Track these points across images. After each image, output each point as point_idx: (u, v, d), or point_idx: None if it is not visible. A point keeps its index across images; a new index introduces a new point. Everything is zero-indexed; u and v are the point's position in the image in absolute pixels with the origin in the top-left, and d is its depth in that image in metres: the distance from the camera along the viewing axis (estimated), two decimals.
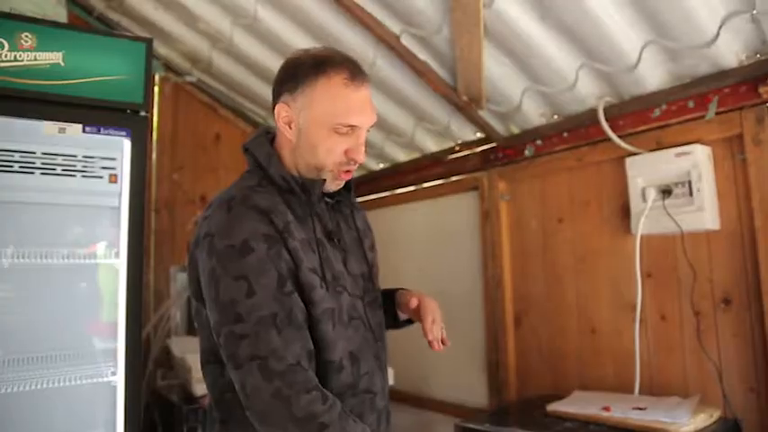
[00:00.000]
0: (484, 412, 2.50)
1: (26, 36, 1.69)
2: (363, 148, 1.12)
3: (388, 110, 2.64)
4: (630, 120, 2.05)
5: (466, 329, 2.68)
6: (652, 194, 1.95)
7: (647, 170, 1.98)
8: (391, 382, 2.57)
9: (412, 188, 3.04)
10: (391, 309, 1.34)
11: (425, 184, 2.96)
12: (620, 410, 1.76)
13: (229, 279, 1.00)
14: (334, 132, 1.08)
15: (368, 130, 1.13)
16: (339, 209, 1.22)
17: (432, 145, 2.83)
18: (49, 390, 1.88)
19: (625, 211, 2.08)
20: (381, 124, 2.79)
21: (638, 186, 2.00)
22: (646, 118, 2.00)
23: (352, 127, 1.09)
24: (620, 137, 2.05)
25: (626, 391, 2.01)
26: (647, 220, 1.96)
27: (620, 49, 1.83)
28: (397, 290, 1.38)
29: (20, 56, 1.69)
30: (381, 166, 3.18)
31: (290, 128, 1.12)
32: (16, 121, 1.75)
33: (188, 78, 3.13)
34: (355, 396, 1.11)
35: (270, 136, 1.20)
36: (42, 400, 1.88)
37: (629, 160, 2.04)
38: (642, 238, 1.99)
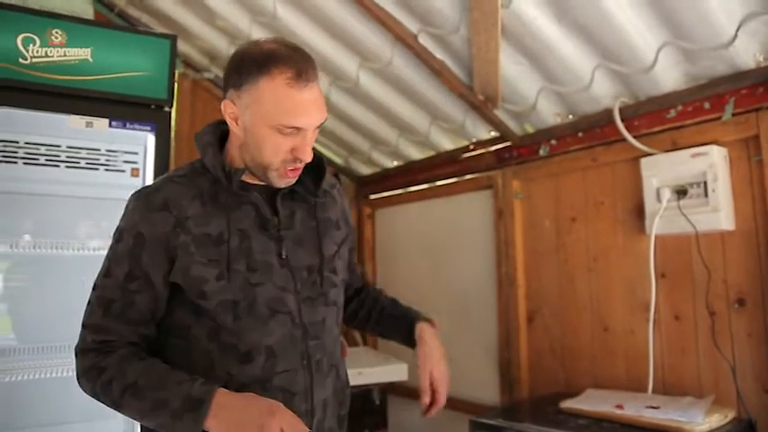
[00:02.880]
0: (495, 409, 2.52)
1: (57, 32, 1.74)
2: (310, 148, 1.09)
3: (403, 108, 2.67)
4: (646, 120, 2.06)
5: (479, 327, 2.70)
6: (667, 195, 1.96)
7: (662, 170, 1.99)
8: (405, 377, 2.62)
9: (425, 186, 3.07)
10: (407, 334, 1.39)
11: (439, 183, 2.98)
12: (633, 408, 1.77)
13: (106, 256, 1.12)
14: (278, 132, 1.05)
15: (317, 129, 1.10)
16: (299, 198, 1.19)
17: (446, 143, 2.85)
18: (62, 378, 1.92)
19: (639, 212, 2.10)
20: (396, 122, 2.82)
21: (653, 187, 2.01)
22: (661, 118, 2.02)
23: (297, 128, 1.06)
24: (635, 137, 2.06)
25: (639, 389, 2.03)
26: (662, 220, 1.97)
27: (637, 50, 1.85)
28: (416, 316, 1.42)
29: (50, 51, 1.74)
30: (395, 163, 3.21)
31: (237, 124, 1.10)
32: (45, 114, 1.79)
33: (206, 75, 3.17)
34: (266, 391, 1.07)
35: (221, 128, 1.18)
36: (56, 389, 1.93)
37: (644, 161, 2.05)
38: (656, 238, 2.00)
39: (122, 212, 1.14)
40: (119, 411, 1.05)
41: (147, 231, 1.07)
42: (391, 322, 1.44)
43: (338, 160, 3.50)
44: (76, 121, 1.80)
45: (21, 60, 1.73)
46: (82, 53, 1.79)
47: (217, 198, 1.11)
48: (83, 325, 1.10)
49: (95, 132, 1.92)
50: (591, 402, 1.91)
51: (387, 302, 1.48)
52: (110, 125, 1.85)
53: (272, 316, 1.10)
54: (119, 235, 1.11)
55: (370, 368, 2.52)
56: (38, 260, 2.06)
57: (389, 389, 2.98)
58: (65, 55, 1.77)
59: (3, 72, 1.71)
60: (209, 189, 1.12)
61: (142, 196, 1.11)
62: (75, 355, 1.09)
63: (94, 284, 1.11)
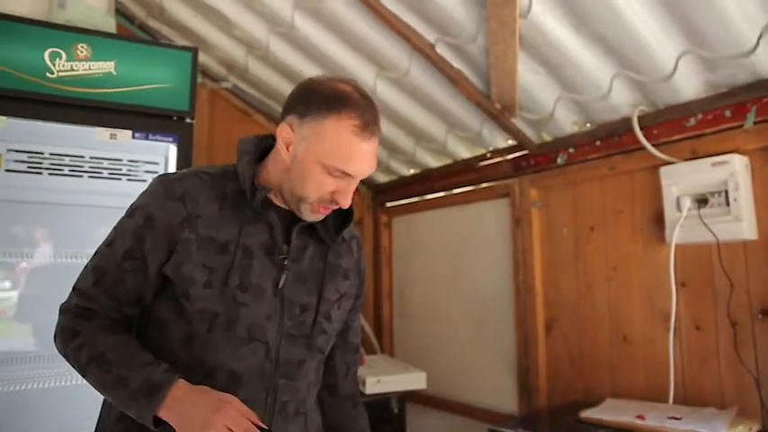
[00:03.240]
0: (514, 418, 2.51)
1: (82, 47, 1.78)
2: (351, 195, 1.08)
3: (420, 116, 2.68)
4: (665, 129, 2.05)
5: (496, 335, 2.70)
6: (687, 204, 1.95)
7: (682, 179, 1.98)
8: (424, 386, 2.63)
9: (442, 194, 3.07)
10: None
11: (456, 191, 2.99)
12: (655, 419, 1.76)
13: (114, 227, 1.13)
14: (327, 172, 1.05)
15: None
16: (315, 236, 1.17)
17: (463, 151, 2.86)
18: (83, 386, 1.94)
19: (659, 221, 2.08)
20: (413, 130, 2.83)
21: (673, 195, 2.00)
22: (681, 127, 2.01)
23: (347, 174, 1.05)
24: (654, 146, 2.05)
25: (659, 400, 2.01)
26: (682, 229, 1.96)
27: (656, 58, 1.84)
28: None
29: (76, 65, 1.77)
30: (412, 171, 3.22)
31: (288, 150, 1.09)
32: (71, 127, 1.83)
33: (224, 84, 3.21)
34: None
35: (267, 142, 1.18)
36: (77, 396, 1.95)
37: (663, 169, 2.04)
38: (677, 247, 1.99)
39: (143, 190, 1.14)
40: (84, 377, 1.05)
41: (158, 216, 1.07)
42: None
43: None
44: (101, 134, 1.84)
45: (48, 74, 1.77)
46: (106, 66, 1.83)
47: (237, 207, 1.10)
48: (73, 287, 1.11)
49: (118, 143, 1.95)
50: (611, 412, 1.90)
51: None
52: (133, 137, 1.88)
53: (248, 342, 1.07)
54: (131, 211, 1.11)
55: (389, 376, 2.53)
56: (57, 269, 2.09)
57: (408, 397, 2.98)
58: (89, 68, 1.80)
59: (30, 86, 1.75)
60: (232, 195, 1.11)
61: (164, 181, 1.11)
62: (59, 312, 1.11)
63: (97, 250, 1.12)
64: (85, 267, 1.11)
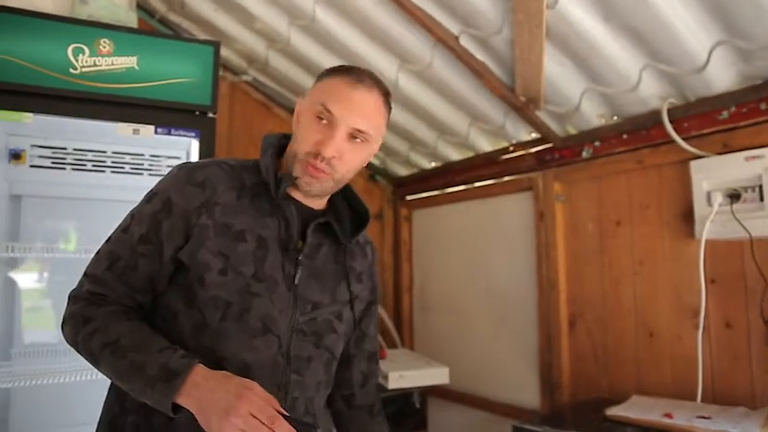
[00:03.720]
0: (537, 414, 2.49)
1: (105, 42, 1.77)
2: (334, 145, 1.05)
3: (442, 109, 2.65)
4: (696, 122, 2.00)
5: (519, 330, 2.67)
6: (718, 199, 1.90)
7: (713, 174, 1.93)
8: (446, 381, 2.61)
9: (464, 187, 3.04)
10: None
11: (478, 184, 2.96)
12: (683, 418, 1.73)
13: (130, 212, 1.11)
14: (315, 118, 1.07)
15: (356, 138, 1.08)
16: (331, 235, 1.17)
17: (485, 144, 2.82)
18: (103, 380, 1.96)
19: (687, 216, 2.04)
20: (434, 123, 2.80)
21: (704, 190, 1.95)
22: (712, 120, 1.95)
23: (330, 114, 1.05)
24: (684, 139, 2.00)
25: (686, 398, 1.97)
26: (713, 224, 1.91)
27: (688, 49, 1.79)
28: None
29: (98, 61, 1.77)
30: (433, 164, 3.19)
31: (296, 119, 1.14)
32: (94, 123, 1.83)
33: (244, 78, 3.20)
34: None
35: (287, 141, 1.19)
36: (99, 390, 1.98)
37: (693, 163, 1.99)
38: (706, 242, 1.94)
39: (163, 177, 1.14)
40: (95, 366, 1.02)
41: (177, 201, 1.06)
42: None
43: (375, 161, 3.50)
44: (124, 129, 1.84)
45: (71, 70, 1.77)
46: (128, 61, 1.83)
47: (255, 198, 1.10)
48: (84, 272, 1.09)
49: (140, 138, 1.95)
50: (638, 410, 1.87)
51: None
52: (155, 132, 1.88)
53: (262, 333, 1.06)
54: (150, 196, 1.10)
55: (411, 371, 2.51)
56: (79, 263, 2.11)
57: (429, 391, 2.98)
58: (112, 64, 1.80)
59: (54, 82, 1.75)
60: (251, 187, 1.11)
61: (185, 168, 1.11)
62: (68, 300, 1.09)
63: (110, 236, 1.10)
64: (97, 253, 1.10)
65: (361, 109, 1.07)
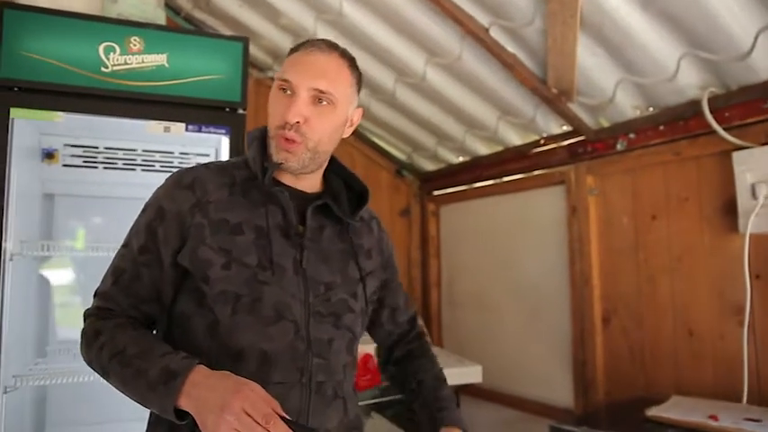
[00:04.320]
0: (570, 413, 2.44)
1: (135, 40, 1.77)
2: (296, 110, 1.04)
3: (470, 103, 2.61)
4: (738, 111, 1.92)
5: (551, 327, 2.63)
6: (764, 191, 1.83)
7: (758, 165, 1.86)
8: (479, 379, 2.57)
9: (492, 182, 3.00)
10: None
11: (507, 178, 2.91)
12: (729, 420, 1.66)
13: (130, 228, 1.12)
14: (278, 92, 1.08)
15: (320, 99, 1.06)
16: (332, 215, 1.16)
17: (515, 138, 2.77)
18: None
19: (730, 209, 1.96)
20: (462, 117, 2.76)
21: (747, 182, 1.88)
22: (757, 109, 1.87)
23: (288, 82, 1.06)
24: (725, 129, 1.93)
25: (730, 399, 1.91)
26: (758, 218, 1.84)
27: (731, 35, 1.72)
28: (446, 420, 1.23)
29: (129, 59, 1.77)
30: (461, 159, 3.15)
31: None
32: (125, 121, 1.83)
33: (269, 74, 3.19)
34: None
35: None
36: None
37: (736, 154, 1.92)
38: (751, 237, 1.87)
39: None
40: (107, 380, 1.02)
41: (168, 207, 1.06)
42: (421, 412, 1.28)
43: (401, 156, 3.47)
44: (155, 127, 1.83)
45: (102, 69, 1.77)
46: (158, 59, 1.82)
47: (247, 192, 1.10)
48: (94, 292, 1.11)
49: (170, 136, 1.95)
50: (680, 411, 1.81)
51: (427, 381, 1.32)
52: (186, 129, 1.87)
53: (276, 321, 1.04)
54: (144, 208, 1.11)
55: (445, 369, 2.48)
56: (109, 261, 2.13)
57: (462, 389, 2.94)
58: (143, 62, 1.80)
59: (86, 81, 1.76)
60: (242, 182, 1.11)
61: (174, 175, 1.12)
62: (83, 320, 1.10)
63: (116, 253, 1.12)
64: (106, 271, 1.11)
65: (317, 69, 1.07)
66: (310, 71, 1.06)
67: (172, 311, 1.10)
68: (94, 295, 1.10)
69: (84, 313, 1.10)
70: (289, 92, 1.06)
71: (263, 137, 1.14)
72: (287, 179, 1.13)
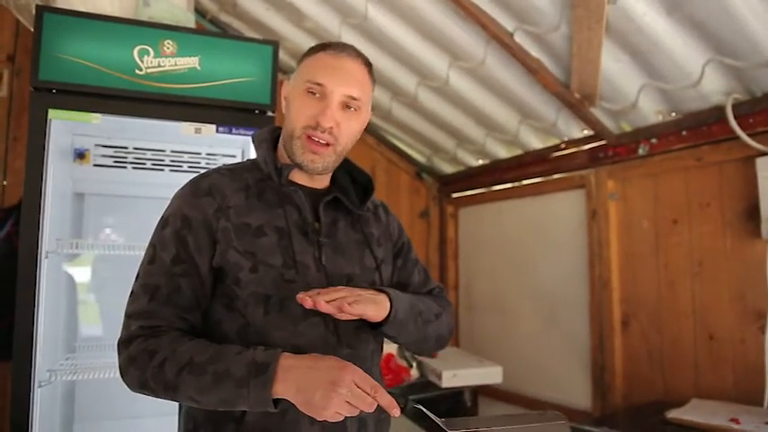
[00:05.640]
0: (589, 415, 2.46)
1: (168, 43, 1.81)
2: (331, 114, 1.07)
3: (492, 107, 2.63)
4: (763, 118, 1.93)
5: (570, 330, 2.64)
6: None
7: None
8: (499, 380, 2.60)
9: (511, 185, 3.02)
10: None
11: (526, 182, 2.92)
12: (751, 424, 1.68)
13: (149, 244, 1.10)
14: (306, 93, 1.09)
15: (350, 107, 1.10)
16: (342, 208, 1.19)
17: (535, 142, 2.79)
18: None
19: (752, 214, 1.97)
20: (483, 120, 2.78)
21: None
22: None
23: (322, 87, 1.08)
24: (749, 135, 1.94)
25: (750, 403, 1.92)
26: None
27: (757, 42, 1.74)
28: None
29: (162, 62, 1.81)
30: (480, 162, 3.17)
31: (285, 102, 1.17)
32: (158, 122, 1.87)
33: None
34: None
35: (278, 132, 1.22)
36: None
37: (759, 160, 1.93)
38: None
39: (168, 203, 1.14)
40: (170, 396, 0.99)
41: (193, 215, 1.07)
42: None
43: (421, 159, 3.49)
44: (187, 128, 1.87)
45: (137, 71, 1.82)
46: (191, 62, 1.86)
47: (262, 194, 1.12)
48: (127, 315, 1.06)
49: (198, 137, 1.99)
50: (701, 414, 1.83)
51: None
52: (217, 131, 1.91)
53: (304, 317, 1.07)
54: (164, 221, 1.09)
55: (465, 370, 2.51)
56: (138, 260, 2.17)
57: (480, 390, 2.96)
58: (176, 64, 1.84)
59: (121, 83, 1.80)
60: (255, 184, 1.13)
61: (188, 185, 1.13)
62: (118, 348, 1.04)
63: (137, 274, 1.09)
64: (131, 294, 1.08)
65: (350, 77, 1.10)
66: (344, 77, 1.09)
67: (203, 318, 1.11)
68: (127, 317, 1.06)
69: (120, 340, 1.05)
70: (318, 95, 1.08)
71: (271, 138, 1.19)
72: (300, 178, 1.16)
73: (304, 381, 0.92)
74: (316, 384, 0.91)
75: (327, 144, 1.09)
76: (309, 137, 1.08)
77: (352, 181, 1.26)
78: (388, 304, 1.09)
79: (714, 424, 1.72)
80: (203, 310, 1.09)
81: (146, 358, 0.99)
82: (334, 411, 0.90)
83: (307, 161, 1.10)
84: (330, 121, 1.08)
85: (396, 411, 0.91)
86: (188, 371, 0.97)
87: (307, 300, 0.99)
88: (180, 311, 1.06)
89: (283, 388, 0.93)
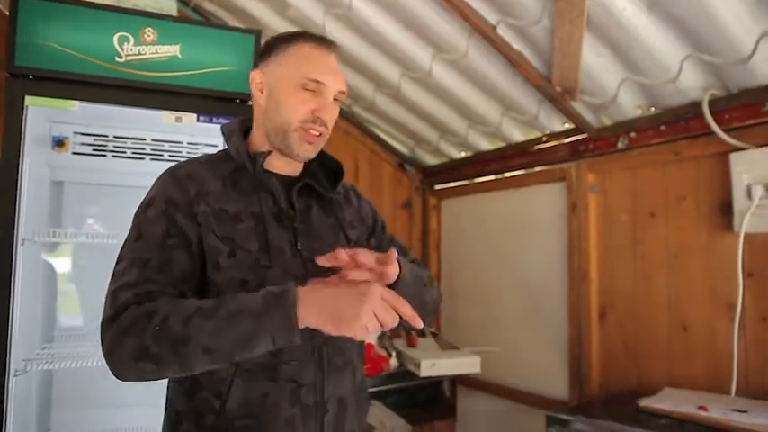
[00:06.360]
0: (565, 404, 2.50)
1: (149, 31, 1.80)
2: (330, 109, 1.15)
3: (475, 99, 2.64)
4: (737, 114, 1.97)
5: (549, 321, 2.68)
6: (759, 192, 1.88)
7: (754, 166, 1.91)
8: (477, 370, 2.63)
9: (493, 177, 3.04)
10: None
11: (508, 174, 2.95)
12: (718, 411, 1.72)
13: (131, 228, 1.09)
14: (302, 89, 1.12)
15: (338, 100, 1.17)
16: (315, 194, 1.23)
17: (517, 134, 2.81)
18: None
19: (725, 208, 2.02)
20: (466, 113, 2.80)
21: (743, 183, 1.93)
22: (755, 112, 1.92)
23: (319, 84, 1.13)
24: (724, 131, 1.98)
25: (719, 391, 1.97)
26: (752, 218, 1.90)
27: (734, 39, 1.76)
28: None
29: (143, 49, 1.80)
30: (463, 154, 3.19)
31: (262, 93, 1.18)
32: (138, 110, 1.86)
33: None
34: (273, 381, 1.06)
35: (247, 124, 1.25)
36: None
37: (733, 156, 1.97)
38: (745, 236, 1.93)
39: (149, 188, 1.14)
40: (178, 357, 0.92)
41: (176, 196, 1.08)
42: None
43: (404, 150, 3.50)
44: (168, 117, 1.86)
45: (116, 59, 1.80)
46: (172, 50, 1.85)
47: (237, 183, 1.14)
48: (111, 291, 1.00)
49: (179, 126, 1.98)
50: (671, 402, 1.87)
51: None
52: (197, 120, 1.90)
53: None
54: (148, 202, 1.09)
55: (444, 360, 2.54)
56: (117, 249, 2.16)
57: (459, 380, 3.00)
58: (156, 52, 1.83)
59: (100, 70, 1.78)
60: (230, 174, 1.15)
61: (167, 171, 1.15)
62: (102, 329, 0.97)
63: (119, 257, 1.05)
64: (113, 276, 1.03)
65: (339, 73, 1.17)
66: (338, 75, 1.16)
67: None
68: (113, 292, 0.99)
69: (105, 316, 0.98)
70: (315, 91, 1.13)
71: (240, 129, 1.22)
72: (273, 166, 1.19)
73: (328, 299, 0.93)
74: (342, 300, 0.92)
75: (320, 135, 1.16)
76: (306, 130, 1.14)
77: (322, 167, 1.29)
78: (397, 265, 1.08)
79: (683, 411, 1.77)
80: (194, 287, 1.06)
81: (143, 321, 0.93)
82: (364, 324, 0.89)
83: (303, 151, 1.16)
84: (331, 116, 1.16)
85: (419, 323, 0.94)
86: (197, 318, 0.92)
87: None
88: (174, 281, 1.02)
89: (306, 310, 0.92)
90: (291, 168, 1.22)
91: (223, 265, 1.06)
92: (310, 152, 1.17)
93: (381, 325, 0.91)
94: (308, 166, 1.26)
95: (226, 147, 1.22)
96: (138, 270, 1.00)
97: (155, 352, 0.92)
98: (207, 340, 0.91)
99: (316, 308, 0.92)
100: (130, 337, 0.93)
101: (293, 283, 0.96)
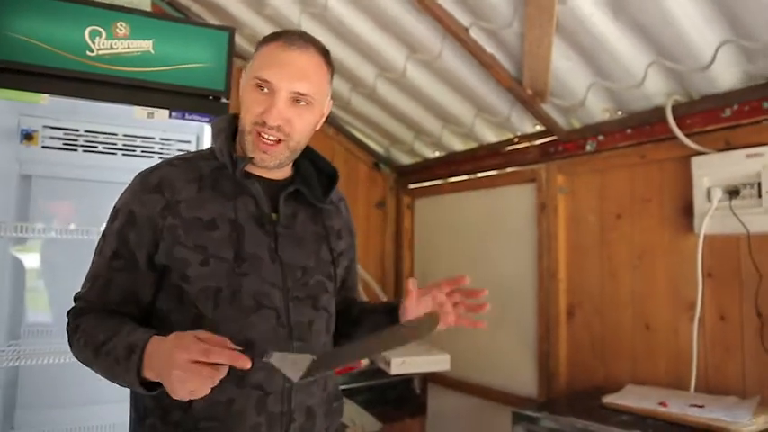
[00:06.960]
0: (533, 401, 2.55)
1: (121, 25, 1.79)
2: (277, 112, 1.05)
3: (448, 100, 2.68)
4: (699, 119, 2.04)
5: (518, 320, 2.73)
6: (718, 194, 1.95)
7: (714, 170, 1.98)
8: (447, 368, 2.67)
9: (466, 177, 3.08)
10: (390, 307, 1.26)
11: (481, 174, 2.99)
12: (677, 406, 1.79)
13: (101, 234, 1.14)
14: (255, 88, 1.06)
15: (298, 101, 1.07)
16: (303, 200, 1.18)
17: (490, 135, 2.86)
18: None
19: (687, 210, 2.08)
20: (440, 113, 2.83)
21: (704, 186, 2.00)
22: (715, 117, 1.99)
23: (267, 83, 1.05)
24: (686, 136, 2.05)
25: (680, 388, 2.04)
26: (712, 220, 1.97)
27: (694, 47, 1.83)
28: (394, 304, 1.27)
29: (115, 44, 1.79)
30: (437, 154, 3.23)
31: (241, 95, 1.14)
32: (109, 105, 1.85)
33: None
34: (239, 387, 1.05)
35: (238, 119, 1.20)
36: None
37: (695, 159, 2.03)
38: (705, 237, 1.99)
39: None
40: (92, 369, 1.06)
41: (138, 211, 1.07)
42: (373, 316, 1.30)
43: (379, 149, 3.53)
44: (140, 113, 1.86)
45: (88, 53, 1.79)
46: (144, 45, 1.84)
47: (216, 184, 1.11)
48: (74, 296, 1.14)
49: (152, 122, 1.97)
50: (633, 399, 1.93)
51: (367, 305, 1.38)
52: (170, 116, 1.90)
53: (256, 309, 1.07)
54: (114, 214, 1.12)
55: (413, 357, 2.57)
56: (87, 244, 2.14)
57: (429, 378, 3.03)
58: (128, 47, 1.82)
59: (71, 64, 1.77)
60: (209, 174, 1.12)
61: (139, 177, 1.13)
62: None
63: (93, 259, 1.14)
64: (86, 277, 1.14)
65: (297, 70, 1.06)
66: (290, 73, 1.06)
67: (152, 309, 1.12)
68: (73, 299, 1.14)
69: (67, 314, 1.14)
70: (266, 90, 1.06)
71: (229, 127, 1.17)
72: (257, 169, 1.14)
73: (157, 368, 0.92)
74: (164, 372, 0.90)
75: (278, 141, 1.08)
76: (259, 134, 1.07)
77: (316, 169, 1.25)
78: None
79: (644, 407, 1.83)
80: (146, 303, 1.12)
81: (72, 334, 1.09)
82: (187, 392, 0.88)
83: (258, 159, 1.09)
84: (276, 119, 1.06)
85: (245, 363, 0.88)
86: (92, 348, 1.03)
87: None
88: (110, 305, 1.10)
89: (150, 374, 0.95)
90: (278, 173, 1.17)
91: (192, 276, 1.05)
92: (266, 161, 1.10)
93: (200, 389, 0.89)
94: (300, 168, 1.22)
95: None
96: (89, 286, 1.12)
97: (81, 361, 1.09)
98: (98, 370, 1.05)
99: (156, 374, 0.93)
100: (71, 345, 1.10)
101: (151, 336, 0.96)
